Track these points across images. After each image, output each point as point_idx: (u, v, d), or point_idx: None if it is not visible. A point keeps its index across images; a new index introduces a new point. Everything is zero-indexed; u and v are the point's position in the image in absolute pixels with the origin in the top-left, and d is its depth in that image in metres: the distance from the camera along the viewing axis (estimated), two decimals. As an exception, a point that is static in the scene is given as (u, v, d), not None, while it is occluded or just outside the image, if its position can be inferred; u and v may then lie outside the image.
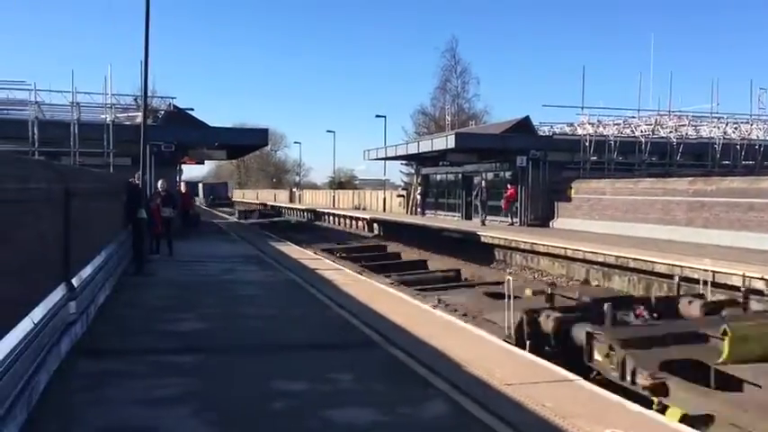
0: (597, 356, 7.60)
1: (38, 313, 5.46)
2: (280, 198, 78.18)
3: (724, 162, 29.57)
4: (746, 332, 7.05)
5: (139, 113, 22.01)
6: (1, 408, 4.03)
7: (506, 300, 8.99)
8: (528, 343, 8.66)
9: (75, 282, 7.30)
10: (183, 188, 18.76)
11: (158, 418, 4.94)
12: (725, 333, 6.86)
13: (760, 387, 6.12)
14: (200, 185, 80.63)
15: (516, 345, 8.19)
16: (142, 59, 14.13)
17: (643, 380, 6.68)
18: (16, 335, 4.68)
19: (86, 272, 8.40)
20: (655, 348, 7.22)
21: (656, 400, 6.43)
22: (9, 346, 4.45)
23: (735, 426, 5.54)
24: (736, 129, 30.85)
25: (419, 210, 37.91)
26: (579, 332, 8.15)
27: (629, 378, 6.99)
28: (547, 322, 8.76)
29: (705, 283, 11.05)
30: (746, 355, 6.77)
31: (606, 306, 8.28)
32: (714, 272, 13.62)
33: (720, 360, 6.78)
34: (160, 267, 14.06)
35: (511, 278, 9.84)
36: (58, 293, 6.44)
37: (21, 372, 4.61)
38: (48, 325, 5.67)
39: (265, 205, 67.43)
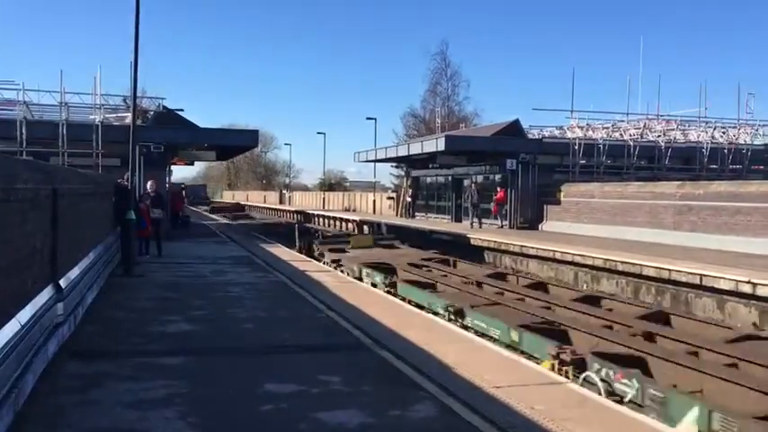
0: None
1: (25, 314, 5.42)
2: (269, 200, 77.99)
3: (711, 166, 29.81)
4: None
5: (128, 114, 21.89)
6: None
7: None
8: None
9: (62, 283, 7.26)
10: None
11: (146, 420, 4.91)
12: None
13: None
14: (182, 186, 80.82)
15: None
16: (132, 60, 14.07)
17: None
18: (3, 336, 4.65)
19: (74, 273, 8.35)
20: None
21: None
22: (-5, 347, 4.41)
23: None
24: (723, 133, 31.11)
25: (409, 212, 37.92)
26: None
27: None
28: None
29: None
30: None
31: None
32: (702, 275, 13.74)
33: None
34: (149, 269, 13.99)
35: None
36: (45, 295, 6.39)
37: (8, 373, 4.58)
38: (35, 326, 5.63)
39: (239, 204, 67.98)
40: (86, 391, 5.56)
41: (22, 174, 5.53)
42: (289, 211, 59.07)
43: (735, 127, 31.48)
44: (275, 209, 65.04)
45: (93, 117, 23.14)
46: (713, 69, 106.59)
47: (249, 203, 79.38)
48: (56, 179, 7.17)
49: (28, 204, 5.73)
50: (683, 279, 14.25)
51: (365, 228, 36.85)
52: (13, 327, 4.95)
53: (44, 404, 5.19)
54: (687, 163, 30.00)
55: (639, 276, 15.65)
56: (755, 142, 31.48)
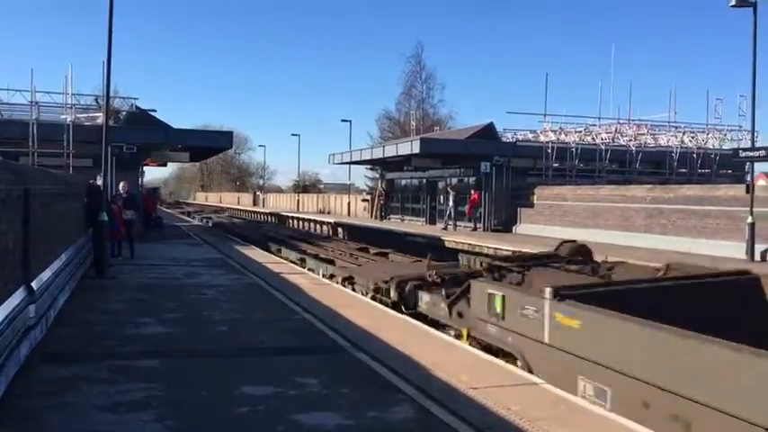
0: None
1: (-3, 317, 5.33)
2: (243, 201, 77.53)
3: (681, 170, 30.36)
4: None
5: (100, 114, 21.69)
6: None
7: None
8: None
9: (34, 285, 7.15)
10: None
11: (121, 423, 4.87)
12: None
13: None
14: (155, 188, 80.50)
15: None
16: (104, 60, 13.92)
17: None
18: (-24, 339, 4.57)
19: (46, 275, 8.23)
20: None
21: None
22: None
23: None
24: (692, 138, 31.70)
25: (383, 214, 37.98)
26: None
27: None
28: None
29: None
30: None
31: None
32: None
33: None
34: (122, 270, 13.84)
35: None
36: (17, 297, 6.30)
37: (-20, 377, 4.51)
38: (7, 329, 5.55)
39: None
40: (61, 394, 5.49)
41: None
42: (263, 212, 58.77)
43: (703, 132, 32.10)
44: (249, 210, 64.66)
45: (64, 117, 22.87)
46: (683, 75, 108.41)
47: (223, 205, 78.86)
48: (27, 179, 7.07)
49: None
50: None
51: (339, 230, 36.82)
52: (-15, 329, 4.87)
53: (18, 408, 5.11)
54: (657, 167, 30.51)
55: (611, 278, 15.84)
56: (723, 147, 32.12)
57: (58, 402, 5.29)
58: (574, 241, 10.78)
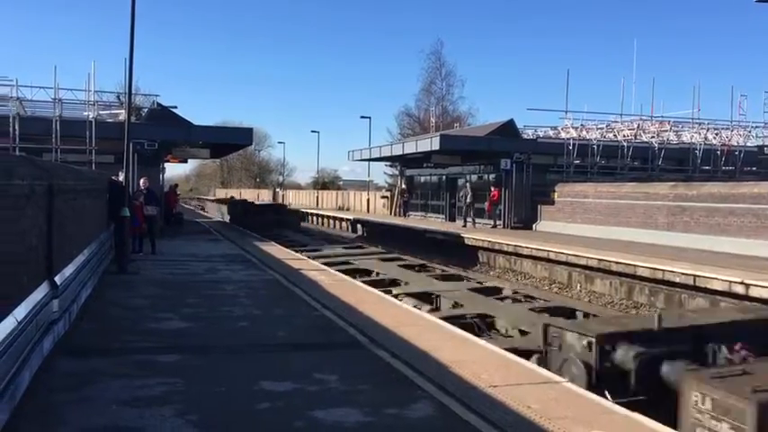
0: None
1: (21, 311, 5.39)
2: (263, 198, 77.84)
3: (704, 167, 29.94)
4: None
5: (122, 110, 21.88)
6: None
7: None
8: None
9: (57, 280, 7.22)
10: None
11: (142, 418, 4.89)
12: None
13: None
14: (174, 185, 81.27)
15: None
16: (126, 56, 14.03)
17: None
18: (0, 332, 4.62)
19: (69, 270, 8.31)
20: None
21: None
22: (-7, 343, 4.39)
23: None
24: (716, 134, 31.25)
25: (403, 211, 37.94)
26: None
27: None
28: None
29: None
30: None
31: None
32: (695, 276, 13.80)
33: None
34: (143, 266, 13.95)
35: None
36: (41, 291, 6.36)
37: (4, 369, 4.56)
38: (31, 323, 5.61)
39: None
40: (82, 388, 5.54)
41: (18, 170, 5.50)
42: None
43: (728, 128, 31.65)
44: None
45: (86, 113, 23.04)
46: (707, 72, 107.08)
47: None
48: (51, 175, 7.14)
49: (24, 200, 5.71)
50: (677, 279, 14.32)
51: (359, 226, 36.86)
52: (9, 323, 4.92)
53: (40, 401, 5.17)
54: (680, 164, 30.14)
55: (633, 277, 15.71)
56: (748, 144, 31.66)
57: (79, 396, 5.34)
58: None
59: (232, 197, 56.69)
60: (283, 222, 32.01)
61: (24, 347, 5.32)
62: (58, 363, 6.27)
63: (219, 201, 59.04)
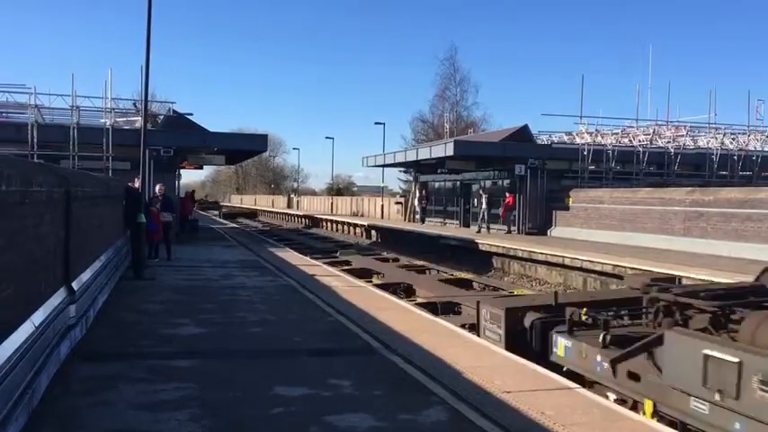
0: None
1: (39, 316, 5.46)
2: (278, 204, 78.20)
3: (721, 173, 29.70)
4: None
5: (138, 117, 22.08)
6: (3, 410, 4.03)
7: None
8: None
9: (75, 285, 7.30)
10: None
11: (158, 422, 4.94)
12: None
13: None
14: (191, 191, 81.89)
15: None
16: (143, 64, 14.15)
17: None
18: (18, 337, 4.69)
19: (86, 275, 8.40)
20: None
21: None
22: (11, 348, 4.45)
23: None
24: (733, 139, 31.00)
25: (417, 217, 37.91)
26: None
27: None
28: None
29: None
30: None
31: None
32: (711, 281, 13.67)
33: None
34: (159, 272, 14.05)
35: None
36: (58, 297, 6.44)
37: (22, 374, 4.62)
38: (48, 328, 5.67)
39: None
40: (99, 392, 5.60)
41: (37, 176, 5.58)
42: (297, 215, 59.17)
43: (744, 133, 31.37)
44: (284, 213, 65.18)
45: (103, 120, 23.28)
46: (723, 76, 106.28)
47: (257, 208, 79.68)
48: (68, 182, 7.23)
49: (42, 207, 5.79)
50: (693, 285, 14.19)
51: (373, 232, 36.88)
52: (27, 328, 4.99)
53: (57, 405, 5.22)
54: (697, 169, 29.90)
55: (649, 282, 15.58)
56: (765, 148, 31.35)
57: (95, 400, 5.39)
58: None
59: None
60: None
61: (42, 352, 5.38)
62: (74, 367, 6.33)
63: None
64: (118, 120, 24.06)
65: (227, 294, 11.44)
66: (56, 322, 6.07)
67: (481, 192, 29.31)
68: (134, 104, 27.08)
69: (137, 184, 14.81)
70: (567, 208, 26.57)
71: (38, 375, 5.14)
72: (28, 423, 4.67)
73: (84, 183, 8.90)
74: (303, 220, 55.11)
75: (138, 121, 21.98)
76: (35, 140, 21.65)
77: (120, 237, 13.83)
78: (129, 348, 7.41)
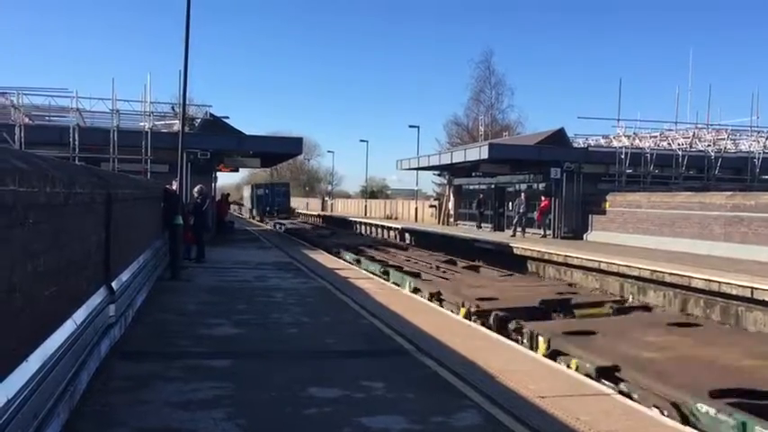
0: None
1: (80, 315, 5.59)
2: (312, 206, 78.68)
3: (763, 177, 29.01)
4: None
5: (176, 121, 22.47)
6: (46, 405, 4.14)
7: None
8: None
9: (114, 285, 7.46)
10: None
11: (194, 420, 5.01)
12: None
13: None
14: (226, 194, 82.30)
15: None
16: (181, 68, 14.42)
17: None
18: (61, 335, 4.81)
19: (125, 276, 8.57)
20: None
21: None
22: (55, 345, 4.57)
23: None
24: (776, 142, 30.27)
25: (451, 220, 37.77)
26: None
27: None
28: None
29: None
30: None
31: None
32: (753, 288, 13.39)
33: None
34: (194, 273, 14.26)
35: None
36: (98, 296, 6.58)
37: (64, 371, 4.73)
38: (89, 326, 5.81)
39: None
40: (137, 390, 5.71)
41: (80, 179, 5.72)
42: (332, 216, 59.46)
43: (788, 136, 30.62)
44: (318, 215, 65.57)
45: (142, 124, 23.75)
46: (766, 78, 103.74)
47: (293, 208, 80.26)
48: (110, 184, 7.39)
49: (84, 208, 5.92)
50: (734, 292, 13.90)
51: (407, 235, 36.86)
52: (70, 326, 5.12)
53: (97, 402, 5.34)
54: (738, 173, 29.27)
55: (688, 288, 15.31)
56: (810, 152, 30.53)
57: (133, 398, 5.50)
58: None
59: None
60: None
61: (83, 350, 5.51)
62: (114, 365, 6.47)
63: None
64: (156, 123, 24.53)
65: (262, 295, 11.56)
66: (96, 321, 6.21)
67: (522, 195, 28.96)
68: (172, 108, 27.57)
69: (174, 186, 15.06)
70: (603, 212, 26.21)
71: (79, 373, 5.26)
72: (70, 418, 4.79)
73: (123, 185, 9.08)
74: (336, 221, 55.35)
75: (176, 125, 22.38)
76: (76, 143, 22.20)
77: (158, 238, 14.07)
78: (166, 348, 7.55)
